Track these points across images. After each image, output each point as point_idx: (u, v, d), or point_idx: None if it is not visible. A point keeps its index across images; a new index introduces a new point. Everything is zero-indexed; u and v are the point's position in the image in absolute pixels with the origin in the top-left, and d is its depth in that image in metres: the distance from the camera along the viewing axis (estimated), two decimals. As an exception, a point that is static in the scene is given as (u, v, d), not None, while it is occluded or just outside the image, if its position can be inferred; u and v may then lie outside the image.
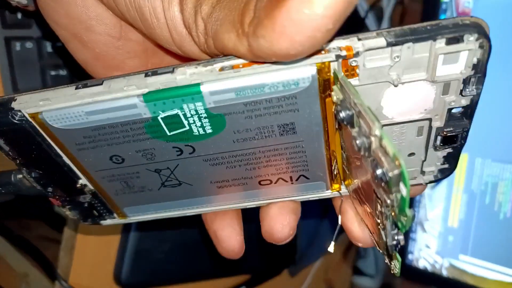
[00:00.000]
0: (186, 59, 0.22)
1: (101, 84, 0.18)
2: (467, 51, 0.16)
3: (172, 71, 0.17)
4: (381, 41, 0.16)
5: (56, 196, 0.23)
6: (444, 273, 0.52)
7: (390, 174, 0.13)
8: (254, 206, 0.24)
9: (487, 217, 0.48)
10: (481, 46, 0.16)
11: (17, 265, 0.38)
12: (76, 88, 0.18)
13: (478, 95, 0.18)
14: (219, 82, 0.17)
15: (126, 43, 0.23)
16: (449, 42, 0.16)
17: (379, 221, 0.17)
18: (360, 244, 0.23)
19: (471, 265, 0.50)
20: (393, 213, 0.15)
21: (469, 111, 0.18)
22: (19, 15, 0.33)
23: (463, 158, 0.49)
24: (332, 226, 0.57)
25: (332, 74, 0.17)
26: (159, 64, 0.24)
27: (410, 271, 0.54)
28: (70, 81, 0.36)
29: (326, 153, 0.20)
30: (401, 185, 0.14)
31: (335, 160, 0.21)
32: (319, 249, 0.55)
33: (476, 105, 0.18)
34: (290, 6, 0.13)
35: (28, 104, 0.18)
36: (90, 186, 0.22)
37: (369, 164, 0.15)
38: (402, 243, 0.16)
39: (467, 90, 0.17)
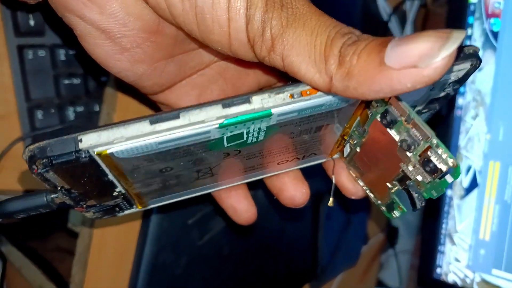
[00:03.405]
0: (220, 54, 0.23)
1: (179, 117, 0.18)
2: (463, 69, 0.21)
3: (249, 102, 0.18)
4: None
5: (85, 205, 0.22)
6: (476, 288, 0.49)
7: (444, 168, 0.19)
8: (263, 177, 0.28)
9: (522, 229, 0.45)
10: (471, 65, 0.20)
11: (33, 278, 0.38)
12: (151, 123, 0.17)
13: (454, 91, 0.23)
14: (288, 106, 0.19)
15: (159, 37, 0.22)
16: (454, 64, 0.20)
17: (391, 186, 0.23)
18: (353, 197, 0.28)
19: (505, 281, 0.47)
20: (418, 185, 0.21)
21: (441, 99, 0.24)
22: (32, 22, 0.32)
23: (495, 166, 0.47)
24: (354, 240, 0.55)
25: None
26: (181, 52, 0.24)
27: (438, 286, 0.52)
28: (85, 89, 0.35)
29: (338, 138, 0.25)
30: (448, 175, 0.19)
31: (342, 141, 0.25)
32: (341, 263, 0.53)
33: (450, 96, 0.23)
34: (393, 77, 0.15)
35: (98, 144, 0.17)
36: (123, 191, 0.22)
37: (410, 155, 0.20)
38: (423, 204, 0.21)
39: (449, 88, 0.22)
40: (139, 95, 0.26)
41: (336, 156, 0.27)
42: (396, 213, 0.24)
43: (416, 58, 0.15)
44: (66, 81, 0.34)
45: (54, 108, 0.34)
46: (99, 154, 0.18)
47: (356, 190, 0.27)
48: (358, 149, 0.24)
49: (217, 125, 0.18)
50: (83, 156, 0.17)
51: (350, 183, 0.27)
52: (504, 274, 0.47)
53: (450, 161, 0.19)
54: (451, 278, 0.51)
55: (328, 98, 0.19)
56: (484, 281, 0.48)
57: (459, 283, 0.50)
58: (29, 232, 0.40)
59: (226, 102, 0.18)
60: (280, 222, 0.44)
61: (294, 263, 0.47)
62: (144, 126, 0.17)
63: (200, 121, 0.18)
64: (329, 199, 0.28)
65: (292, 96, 0.19)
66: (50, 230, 0.41)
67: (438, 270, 0.52)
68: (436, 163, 0.19)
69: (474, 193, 0.48)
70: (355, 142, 0.24)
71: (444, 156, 0.19)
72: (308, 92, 0.19)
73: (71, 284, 0.34)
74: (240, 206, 0.29)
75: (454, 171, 0.19)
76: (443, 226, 0.51)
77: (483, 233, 0.48)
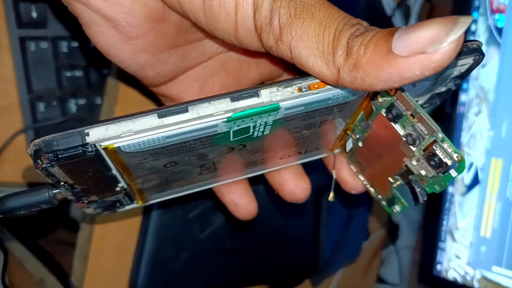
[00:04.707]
0: (225, 43, 0.23)
1: (187, 110, 0.17)
2: (466, 63, 0.21)
3: (258, 95, 0.18)
4: None
5: (86, 201, 0.22)
6: (476, 285, 0.49)
7: (449, 163, 0.19)
8: (264, 172, 0.28)
9: (523, 226, 0.45)
10: (474, 59, 0.20)
11: (34, 270, 0.38)
12: (159, 117, 0.17)
13: (456, 86, 0.23)
14: (295, 100, 0.19)
15: (163, 26, 0.22)
16: (458, 59, 0.20)
17: (392, 180, 0.23)
18: (353, 191, 0.28)
19: (505, 278, 0.47)
20: (421, 180, 0.21)
21: (442, 94, 0.24)
22: (34, 14, 0.32)
23: (497, 163, 0.46)
24: (355, 236, 0.55)
25: None
26: (185, 42, 0.24)
27: (438, 283, 0.52)
28: (87, 81, 0.35)
29: (341, 133, 0.25)
30: (453, 170, 0.19)
31: (344, 136, 0.25)
32: (342, 259, 0.53)
33: (451, 92, 0.23)
34: (401, 65, 0.15)
35: (105, 138, 0.17)
36: (125, 186, 0.22)
37: (414, 149, 0.20)
38: (425, 198, 0.21)
39: (450, 83, 0.22)
40: (141, 88, 0.26)
41: (337, 151, 0.27)
42: (397, 208, 0.24)
43: (423, 43, 0.15)
44: (68, 73, 0.34)
45: (56, 100, 0.34)
46: (105, 148, 0.17)
47: (356, 184, 0.27)
48: (360, 144, 0.24)
49: (225, 119, 0.18)
50: (90, 150, 0.17)
51: (350, 177, 0.27)
52: (504, 271, 0.47)
53: (455, 155, 0.19)
54: (451, 275, 0.51)
55: (335, 92, 0.19)
56: (484, 278, 0.48)
57: (459, 280, 0.50)
58: (31, 224, 0.40)
59: (235, 95, 0.18)
60: (282, 217, 0.44)
61: (295, 257, 0.47)
62: (152, 120, 0.17)
63: (208, 115, 0.17)
64: (330, 194, 0.28)
65: (300, 89, 0.18)
66: (52, 222, 0.41)
67: (439, 267, 0.52)
68: (441, 157, 0.19)
69: (476, 190, 0.48)
70: (357, 136, 0.24)
71: (449, 150, 0.19)
72: (316, 86, 0.19)
73: (72, 277, 0.34)
74: (241, 202, 0.29)
75: (459, 165, 0.19)
76: (444, 222, 0.51)
77: (484, 230, 0.48)
